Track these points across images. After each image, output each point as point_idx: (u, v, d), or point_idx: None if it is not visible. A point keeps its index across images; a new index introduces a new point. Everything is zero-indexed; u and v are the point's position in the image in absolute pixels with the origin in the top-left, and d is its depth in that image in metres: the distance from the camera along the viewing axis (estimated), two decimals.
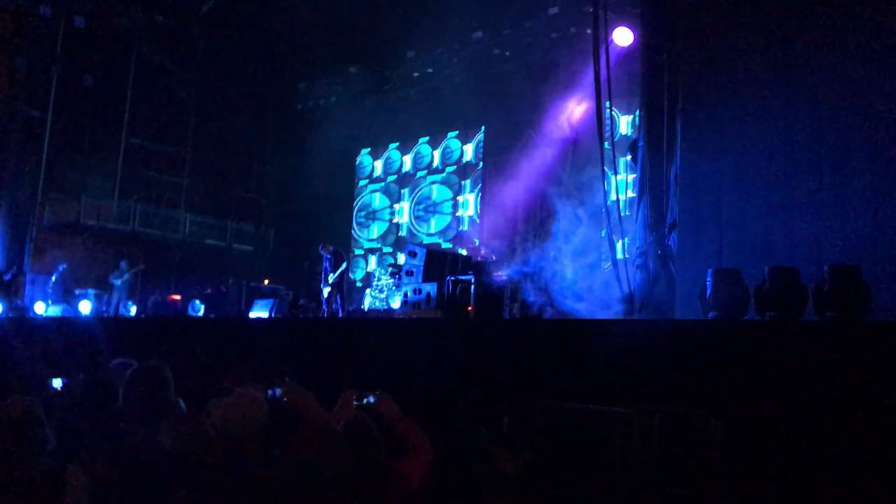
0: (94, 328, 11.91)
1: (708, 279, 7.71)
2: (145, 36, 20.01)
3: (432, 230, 19.64)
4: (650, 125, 10.31)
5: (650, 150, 10.16)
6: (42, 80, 18.65)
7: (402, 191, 20.68)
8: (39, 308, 16.69)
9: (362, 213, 21.68)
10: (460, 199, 19.20)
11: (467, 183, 19.14)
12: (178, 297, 18.13)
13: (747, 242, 9.36)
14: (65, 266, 18.00)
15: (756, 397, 5.35)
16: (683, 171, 9.86)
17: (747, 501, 4.90)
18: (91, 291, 17.39)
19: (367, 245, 21.24)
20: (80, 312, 16.00)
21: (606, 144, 10.95)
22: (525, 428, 5.14)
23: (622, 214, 11.57)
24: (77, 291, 17.49)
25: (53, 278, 17.63)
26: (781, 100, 9.79)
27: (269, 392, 3.33)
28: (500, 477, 4.39)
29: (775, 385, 5.33)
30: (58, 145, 19.35)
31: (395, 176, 20.98)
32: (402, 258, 16.89)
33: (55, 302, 17.08)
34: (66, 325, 13.07)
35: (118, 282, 17.25)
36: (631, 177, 13.26)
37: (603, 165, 10.75)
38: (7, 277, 18.04)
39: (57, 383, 5.90)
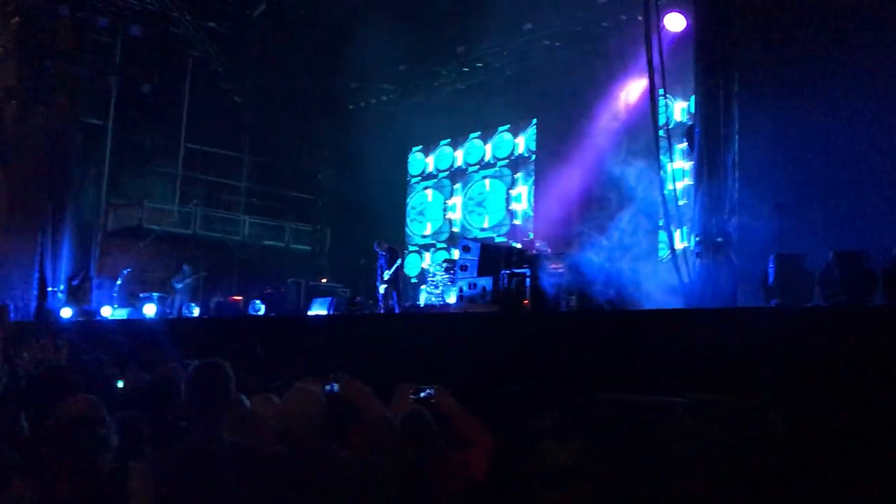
0: (159, 330, 12.21)
1: (770, 265, 7.54)
2: (200, 43, 20.39)
3: (486, 225, 19.60)
4: (706, 110, 10.10)
5: (706, 135, 9.96)
6: (101, 89, 19.17)
7: (455, 186, 20.68)
8: (106, 311, 17.16)
9: (415, 210, 21.75)
10: (513, 192, 19.11)
11: (520, 176, 19.05)
12: (239, 298, 18.43)
13: (810, 227, 9.11)
14: (129, 270, 18.49)
15: (821, 388, 5.19)
16: (741, 155, 9.64)
17: (810, 498, 4.76)
18: (155, 294, 17.80)
19: (420, 241, 21.31)
20: (144, 315, 16.39)
21: (661, 132, 10.78)
22: (582, 420, 5.10)
23: (679, 203, 11.37)
24: (141, 294, 17.93)
25: (118, 282, 18.13)
26: (841, 80, 9.50)
27: (327, 387, 3.35)
28: (556, 470, 4.34)
29: (843, 376, 5.17)
30: (119, 153, 19.88)
31: (447, 172, 20.99)
32: (456, 253, 16.91)
33: (121, 305, 17.56)
34: (132, 328, 13.42)
35: (180, 285, 17.63)
36: (687, 164, 13.03)
37: (658, 153, 10.58)
38: (75, 283, 18.61)
39: (122, 384, 6.06)
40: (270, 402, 4.22)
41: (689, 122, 12.58)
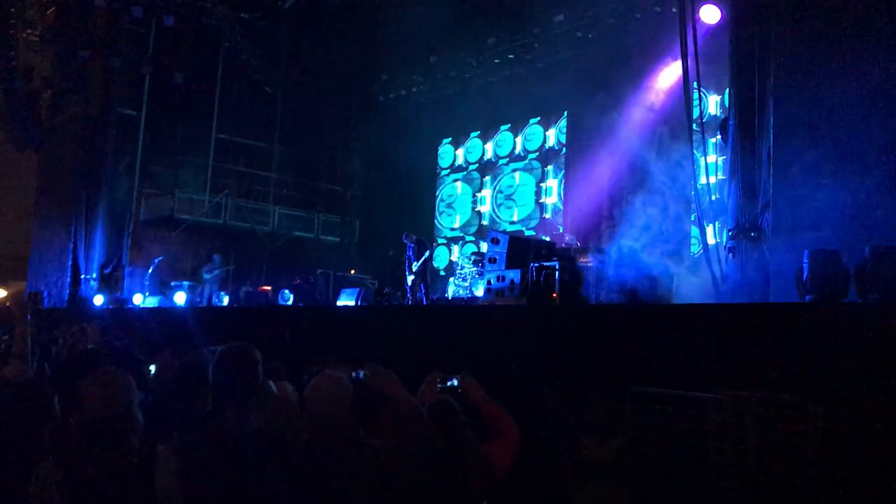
0: (189, 318, 12.31)
1: (805, 260, 7.40)
2: (232, 33, 20.50)
3: (515, 218, 19.51)
4: (741, 103, 9.96)
5: (741, 129, 9.82)
6: (135, 79, 19.35)
7: (484, 179, 20.61)
8: (137, 299, 17.36)
9: (444, 203, 21.72)
10: (543, 185, 18.99)
11: (550, 169, 18.93)
12: (268, 287, 18.55)
13: (846, 222, 8.92)
14: (161, 259, 18.68)
15: (857, 384, 5.09)
16: (776, 149, 9.48)
17: (847, 493, 4.67)
18: (185, 283, 17.96)
19: (449, 234, 21.27)
20: (175, 303, 16.55)
21: (695, 125, 10.65)
22: (615, 414, 5.04)
23: (712, 197, 11.23)
24: (172, 283, 18.11)
25: (150, 271, 18.32)
26: (881, 72, 9.27)
27: (353, 374, 3.33)
28: (590, 464, 4.30)
29: (879, 372, 5.06)
30: (151, 143, 20.07)
31: (477, 164, 20.92)
32: (484, 246, 16.85)
33: (152, 293, 17.74)
34: (162, 315, 13.55)
35: (209, 275, 17.75)
36: (721, 158, 12.86)
37: (692, 147, 10.44)
38: (107, 271, 18.85)
39: (153, 369, 6.09)
40: (292, 389, 4.22)
41: (723, 116, 12.41)
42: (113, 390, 2.85)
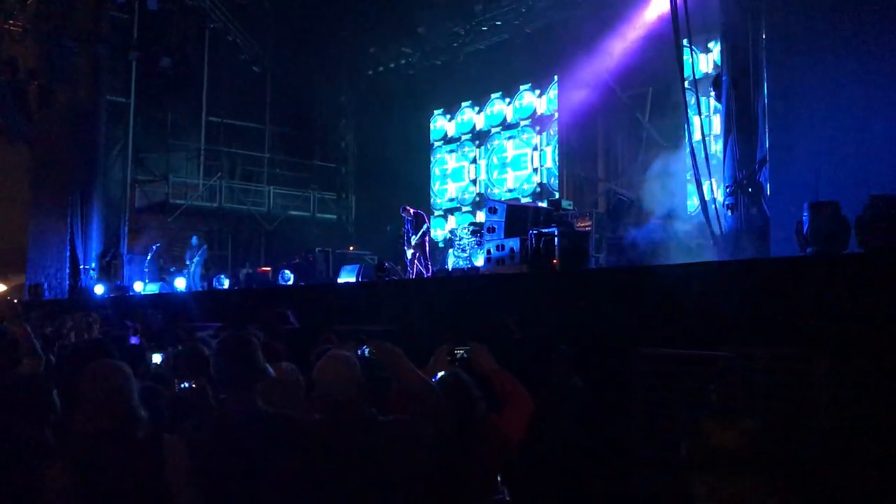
0: (190, 302, 12.31)
1: (804, 213, 7.38)
2: (216, 14, 20.28)
3: (511, 185, 19.45)
4: (732, 58, 9.88)
5: (734, 84, 9.75)
6: (122, 66, 19.17)
7: (479, 149, 20.51)
8: (138, 287, 17.34)
9: (439, 174, 21.64)
10: (536, 152, 18.91)
11: (543, 136, 18.83)
12: (268, 268, 18.54)
13: (845, 173, 8.89)
14: (159, 245, 18.64)
15: (862, 333, 5.09)
16: (772, 103, 9.42)
17: (856, 440, 4.69)
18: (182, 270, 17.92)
19: (446, 205, 21.21)
20: (175, 288, 16.54)
21: (687, 84, 10.57)
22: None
23: (710, 154, 11.18)
24: (171, 269, 18.09)
25: (149, 258, 18.28)
26: (876, 20, 9.19)
27: (359, 351, 3.32)
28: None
29: (883, 320, 5.06)
30: (142, 129, 19.95)
31: (470, 134, 20.80)
32: (481, 216, 16.78)
33: (152, 280, 17.72)
34: (163, 301, 13.55)
35: (192, 261, 17.62)
36: (716, 116, 12.80)
37: (685, 106, 10.38)
38: (106, 260, 18.83)
39: (157, 358, 6.09)
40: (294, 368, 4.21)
41: (716, 72, 12.31)
42: (112, 386, 2.82)
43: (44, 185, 20.66)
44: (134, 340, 7.04)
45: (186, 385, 3.81)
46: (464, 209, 20.62)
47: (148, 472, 2.73)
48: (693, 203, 13.35)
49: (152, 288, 17.09)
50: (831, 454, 4.52)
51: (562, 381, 5.99)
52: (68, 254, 18.99)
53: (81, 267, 18.69)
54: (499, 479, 3.44)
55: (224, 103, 21.51)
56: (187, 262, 17.63)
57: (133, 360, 4.08)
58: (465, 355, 3.52)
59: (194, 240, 17.92)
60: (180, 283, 16.82)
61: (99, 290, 17.45)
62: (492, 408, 3.36)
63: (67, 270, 18.93)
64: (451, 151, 21.34)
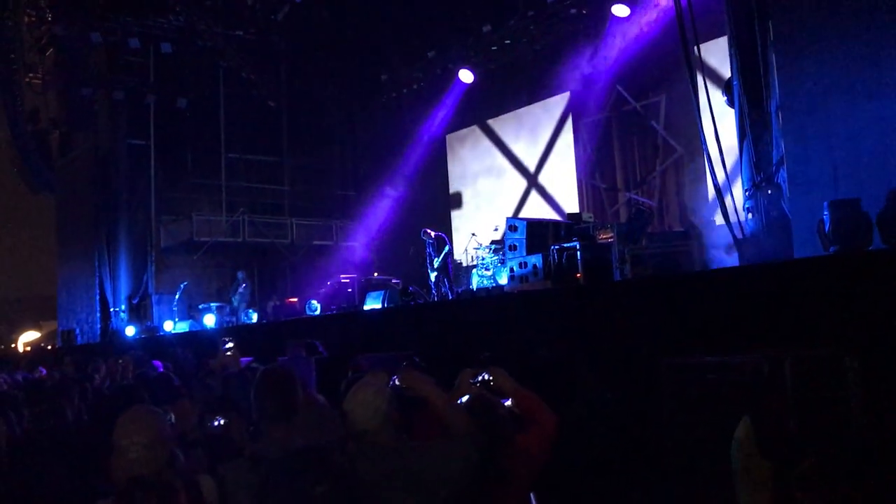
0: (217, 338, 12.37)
1: (825, 212, 7.34)
2: (229, 52, 20.60)
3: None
4: (742, 62, 9.88)
5: (745, 87, 9.74)
6: (140, 109, 19.52)
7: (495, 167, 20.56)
8: (168, 326, 17.53)
9: (457, 196, 21.71)
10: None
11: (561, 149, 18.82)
12: (294, 299, 18.67)
13: (864, 168, 8.82)
14: (186, 283, 18.84)
15: (891, 330, 5.05)
16: (785, 102, 9.39)
17: (892, 443, 4.64)
18: (214, 305, 18.09)
19: (466, 226, 21.25)
20: (205, 326, 16.69)
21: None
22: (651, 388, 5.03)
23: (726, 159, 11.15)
24: (200, 306, 18.26)
25: (177, 296, 18.48)
26: (886, 16, 9.12)
27: (391, 380, 3.37)
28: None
29: None
30: (163, 169, 20.24)
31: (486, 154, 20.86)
32: (499, 233, 16.79)
33: (181, 318, 17.91)
34: (193, 339, 13.66)
35: (235, 296, 17.81)
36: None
37: (698, 110, 10.37)
38: (135, 301, 19.08)
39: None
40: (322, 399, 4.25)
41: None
42: (146, 433, 2.82)
43: (69, 231, 21.04)
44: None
45: (217, 423, 3.85)
46: (485, 229, 20.64)
47: None
48: (713, 207, 13.29)
49: (182, 326, 17.26)
50: (868, 457, 4.47)
51: (591, 394, 5.98)
52: (98, 297, 19.28)
53: (112, 309, 18.95)
54: (532, 498, 3.46)
55: (242, 139, 21.81)
56: (233, 299, 17.78)
57: (169, 400, 4.15)
58: (487, 377, 3.55)
59: (240, 274, 18.07)
60: (209, 320, 16.98)
61: (130, 331, 17.66)
62: (517, 427, 3.39)
63: (98, 314, 19.21)
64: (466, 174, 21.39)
